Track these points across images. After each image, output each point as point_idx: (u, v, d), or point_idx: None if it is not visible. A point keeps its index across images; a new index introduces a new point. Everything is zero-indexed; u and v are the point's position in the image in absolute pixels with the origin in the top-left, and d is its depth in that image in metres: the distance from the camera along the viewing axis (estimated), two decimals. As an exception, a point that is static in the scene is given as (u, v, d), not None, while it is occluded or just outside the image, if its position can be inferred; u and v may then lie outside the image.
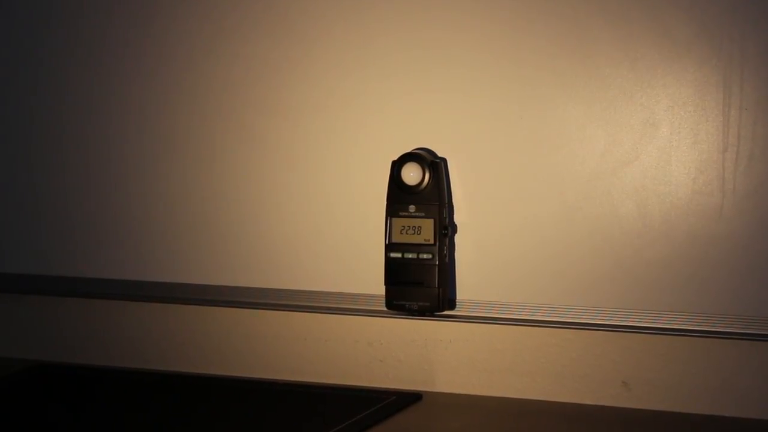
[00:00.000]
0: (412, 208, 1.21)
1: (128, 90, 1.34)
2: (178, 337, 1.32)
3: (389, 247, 1.22)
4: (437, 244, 1.20)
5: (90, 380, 1.28)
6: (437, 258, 1.20)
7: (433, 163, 1.21)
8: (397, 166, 1.21)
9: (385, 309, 1.23)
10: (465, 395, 1.20)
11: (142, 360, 1.33)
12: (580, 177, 1.18)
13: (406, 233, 1.21)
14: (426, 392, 1.21)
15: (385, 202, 1.22)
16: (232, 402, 1.20)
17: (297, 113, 1.28)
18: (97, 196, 1.36)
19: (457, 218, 1.23)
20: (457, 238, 1.23)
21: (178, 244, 1.33)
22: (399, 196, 1.21)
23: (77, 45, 1.35)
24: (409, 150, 1.22)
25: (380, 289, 1.23)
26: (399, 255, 1.21)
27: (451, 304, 1.22)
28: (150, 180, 1.34)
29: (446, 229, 1.21)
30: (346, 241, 1.26)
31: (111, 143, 1.35)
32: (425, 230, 1.20)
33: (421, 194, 1.21)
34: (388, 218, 1.21)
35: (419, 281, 1.21)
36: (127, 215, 1.35)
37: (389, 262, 1.22)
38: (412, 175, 1.21)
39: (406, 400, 1.17)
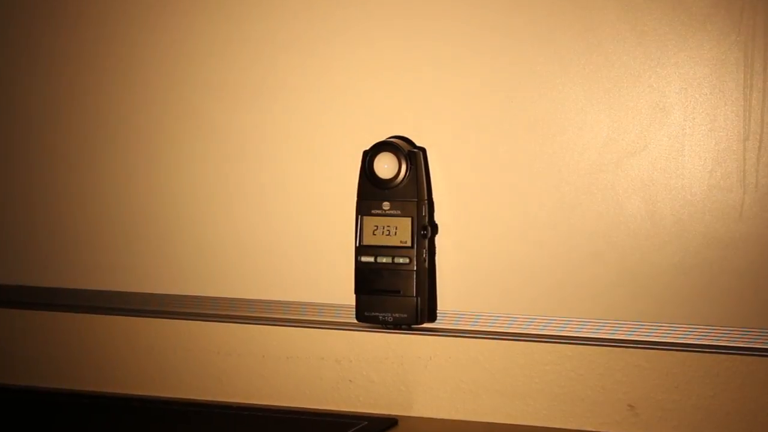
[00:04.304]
0: (386, 205, 1.18)
1: (62, 74, 1.32)
2: (112, 353, 1.30)
3: (360, 250, 1.19)
4: (415, 246, 1.18)
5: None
6: (415, 263, 1.18)
7: (410, 154, 1.18)
8: (369, 156, 1.19)
9: (355, 321, 1.21)
10: (446, 420, 1.18)
11: (77, 379, 1.31)
12: (579, 169, 1.16)
13: (380, 234, 1.19)
14: (402, 417, 1.18)
15: (355, 199, 1.20)
16: (179, 428, 1.18)
17: (251, 96, 1.25)
18: (25, 194, 1.35)
19: (438, 217, 1.20)
20: (438, 239, 1.20)
21: (113, 247, 1.31)
22: (371, 192, 1.19)
23: (8, 32, 1.34)
24: (382, 138, 1.20)
25: (350, 299, 1.21)
26: (371, 259, 1.19)
27: (431, 315, 1.20)
28: (79, 174, 1.32)
29: (425, 230, 1.18)
30: (310, 244, 1.24)
31: (29, 132, 1.34)
32: (401, 231, 1.18)
33: (396, 189, 1.18)
34: (359, 217, 1.19)
35: (395, 289, 1.18)
36: (52, 216, 1.34)
37: (360, 268, 1.19)
38: (386, 167, 1.18)
39: (380, 425, 1.15)
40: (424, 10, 1.19)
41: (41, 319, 1.32)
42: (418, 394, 1.18)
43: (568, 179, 1.16)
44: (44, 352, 1.32)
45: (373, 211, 1.18)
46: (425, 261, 1.18)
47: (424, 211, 1.18)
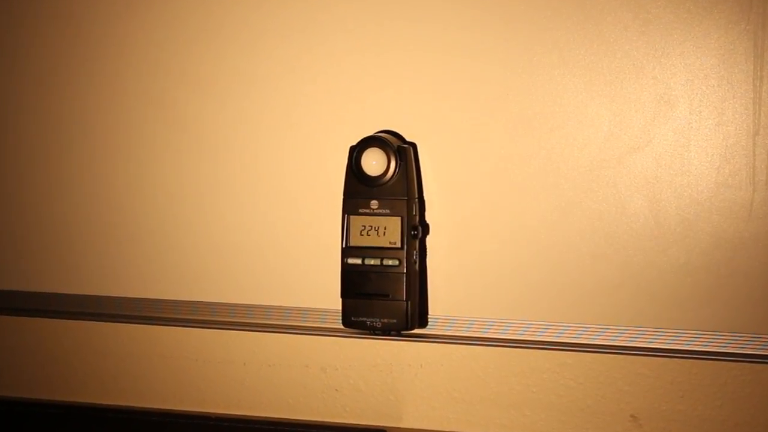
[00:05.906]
0: (374, 204, 1.18)
1: (24, 72, 1.32)
2: (83, 361, 1.29)
3: (347, 251, 1.19)
4: (405, 247, 1.17)
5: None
6: (405, 265, 1.17)
7: (400, 149, 1.17)
8: (356, 152, 1.18)
9: (341, 327, 1.21)
10: (438, 432, 1.19)
11: (45, 388, 1.30)
12: (579, 166, 1.15)
13: (368, 234, 1.18)
14: (391, 428, 1.19)
15: (341, 197, 1.19)
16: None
17: (225, 88, 1.25)
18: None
19: (429, 216, 1.20)
20: (429, 240, 1.20)
21: (81, 249, 1.31)
22: (359, 190, 1.18)
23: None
24: (370, 133, 1.19)
25: (336, 303, 1.21)
26: (358, 261, 1.18)
27: (422, 320, 1.20)
28: (45, 173, 1.32)
29: (416, 230, 1.18)
30: (293, 245, 1.24)
31: None
32: (390, 231, 1.17)
33: (385, 187, 1.18)
34: (346, 216, 1.19)
35: (383, 293, 1.18)
36: (16, 216, 1.33)
37: (347, 270, 1.19)
38: (374, 163, 1.17)
39: (368, 437, 1.17)
40: (414, -4, 1.20)
41: (5, 324, 1.32)
42: (408, 404, 1.19)
43: (568, 176, 1.15)
44: (9, 360, 1.32)
45: (360, 210, 1.18)
46: (416, 263, 1.17)
47: (415, 210, 1.17)
